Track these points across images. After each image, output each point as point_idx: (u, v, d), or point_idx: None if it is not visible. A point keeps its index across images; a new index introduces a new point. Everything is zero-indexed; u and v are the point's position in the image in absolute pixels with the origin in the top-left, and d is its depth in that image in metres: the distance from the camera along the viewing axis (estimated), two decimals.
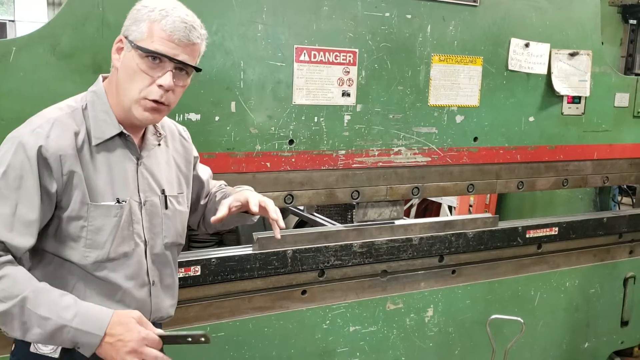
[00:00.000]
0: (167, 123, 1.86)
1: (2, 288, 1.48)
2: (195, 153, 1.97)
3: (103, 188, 1.62)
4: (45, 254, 1.63)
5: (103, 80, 1.70)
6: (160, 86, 1.58)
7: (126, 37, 1.60)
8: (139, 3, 1.62)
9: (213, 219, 1.77)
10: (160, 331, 1.59)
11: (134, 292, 1.69)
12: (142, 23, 1.57)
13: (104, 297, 1.64)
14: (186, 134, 1.94)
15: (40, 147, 1.52)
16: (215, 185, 2.07)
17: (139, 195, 1.70)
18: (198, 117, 2.30)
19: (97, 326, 1.50)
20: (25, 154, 1.52)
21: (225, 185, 2.08)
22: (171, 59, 1.58)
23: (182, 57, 1.59)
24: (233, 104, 2.36)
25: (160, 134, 1.80)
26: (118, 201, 1.63)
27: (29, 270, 1.59)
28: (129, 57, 1.59)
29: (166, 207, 1.77)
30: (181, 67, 1.61)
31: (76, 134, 1.58)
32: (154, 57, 1.57)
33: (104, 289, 1.64)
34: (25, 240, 1.54)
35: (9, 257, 1.53)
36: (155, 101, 1.60)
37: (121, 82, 1.61)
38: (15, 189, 1.52)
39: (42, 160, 1.53)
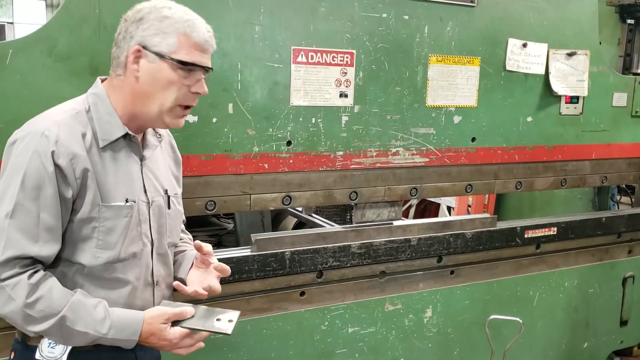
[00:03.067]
0: None
1: (40, 309, 1.52)
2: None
3: (112, 188, 1.62)
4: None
5: (101, 82, 1.70)
6: (196, 93, 1.66)
7: (145, 48, 1.60)
8: (155, 12, 1.61)
9: (180, 286, 1.76)
10: (187, 327, 1.66)
11: (139, 293, 1.70)
12: (170, 35, 1.60)
13: (112, 299, 1.64)
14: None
15: (52, 152, 1.52)
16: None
17: (146, 196, 1.71)
18: (195, 118, 2.30)
19: (131, 333, 1.61)
20: (41, 161, 1.51)
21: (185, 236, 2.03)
22: (203, 67, 1.65)
23: (209, 63, 1.68)
24: (230, 105, 2.36)
25: (159, 134, 1.81)
26: (127, 201, 1.64)
27: None
28: (157, 68, 1.61)
29: (169, 207, 1.79)
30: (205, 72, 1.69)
31: (83, 136, 1.59)
32: (189, 68, 1.62)
33: (112, 291, 1.64)
34: (51, 247, 1.56)
35: (40, 274, 1.54)
36: (186, 107, 1.68)
37: (149, 92, 1.63)
38: (34, 198, 1.52)
39: (57, 167, 1.53)
